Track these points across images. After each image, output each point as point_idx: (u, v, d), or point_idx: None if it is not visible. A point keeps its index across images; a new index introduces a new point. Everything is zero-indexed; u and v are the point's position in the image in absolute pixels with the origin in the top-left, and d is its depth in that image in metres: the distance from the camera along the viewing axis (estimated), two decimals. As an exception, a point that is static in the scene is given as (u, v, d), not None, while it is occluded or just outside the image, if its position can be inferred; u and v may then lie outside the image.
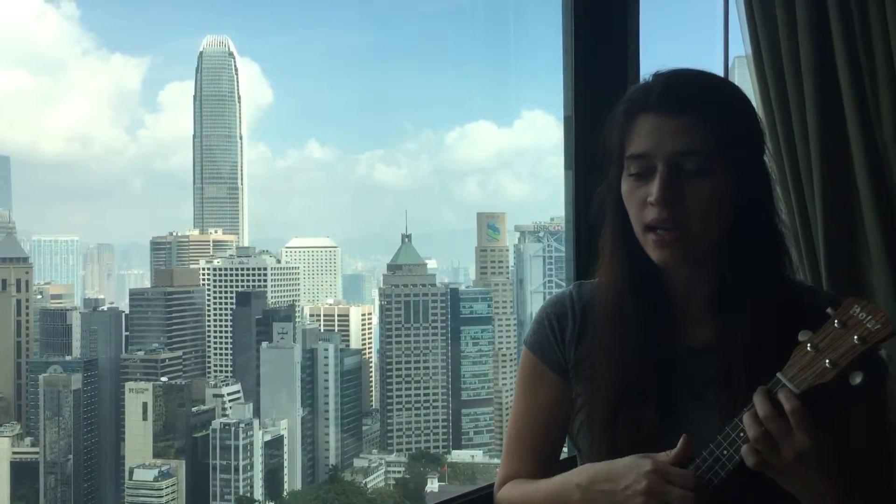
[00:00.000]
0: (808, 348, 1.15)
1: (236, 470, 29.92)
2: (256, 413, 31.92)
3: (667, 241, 1.26)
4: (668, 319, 1.35)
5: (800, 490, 1.17)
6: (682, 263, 1.31)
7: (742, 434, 1.17)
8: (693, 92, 1.28)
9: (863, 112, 2.04)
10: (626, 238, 1.33)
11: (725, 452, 1.18)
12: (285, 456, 31.99)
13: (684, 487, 1.16)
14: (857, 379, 1.12)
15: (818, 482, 1.15)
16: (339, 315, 36.56)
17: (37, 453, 30.31)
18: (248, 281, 35.87)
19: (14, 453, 30.20)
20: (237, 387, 32.74)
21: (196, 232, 40.26)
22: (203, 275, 35.82)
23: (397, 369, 34.47)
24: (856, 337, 1.12)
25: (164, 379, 32.01)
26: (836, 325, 1.14)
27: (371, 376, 35.73)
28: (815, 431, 1.13)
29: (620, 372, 1.32)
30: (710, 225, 1.27)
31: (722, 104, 1.29)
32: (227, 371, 34.26)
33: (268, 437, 31.36)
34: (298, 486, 32.13)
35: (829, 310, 1.15)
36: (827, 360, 1.13)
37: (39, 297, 33.64)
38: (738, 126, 1.29)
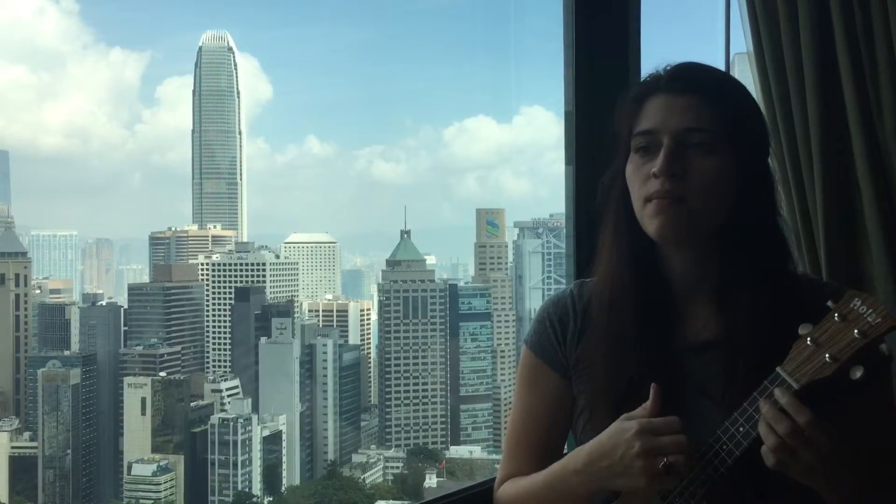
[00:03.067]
0: (808, 342, 1.14)
1: (235, 465, 29.97)
2: (255, 408, 31.97)
3: (665, 207, 1.27)
4: (669, 314, 1.34)
5: (822, 486, 1.17)
6: (679, 237, 1.30)
7: (742, 429, 1.16)
8: (701, 76, 1.33)
9: (864, 108, 2.04)
10: (628, 230, 1.33)
11: (725, 447, 1.18)
12: (284, 451, 32.06)
13: (672, 432, 1.18)
14: (858, 373, 1.11)
15: (839, 479, 1.16)
16: (337, 310, 36.61)
17: (35, 448, 30.37)
18: (246, 276, 35.93)
19: (13, 448, 30.28)
20: (236, 382, 32.78)
21: (195, 227, 40.32)
22: (202, 270, 35.87)
23: (396, 365, 34.52)
24: (856, 331, 1.11)
25: (162, 374, 32.08)
26: (836, 318, 1.13)
27: (370, 372, 35.79)
28: (833, 432, 1.12)
29: (620, 369, 1.31)
30: (711, 202, 1.27)
31: (729, 89, 1.34)
32: (225, 366, 34.31)
33: (266, 433, 31.41)
34: (297, 481, 32.18)
35: (829, 303, 1.15)
36: (827, 355, 1.12)
37: (38, 291, 33.69)
38: (744, 111, 1.33)
